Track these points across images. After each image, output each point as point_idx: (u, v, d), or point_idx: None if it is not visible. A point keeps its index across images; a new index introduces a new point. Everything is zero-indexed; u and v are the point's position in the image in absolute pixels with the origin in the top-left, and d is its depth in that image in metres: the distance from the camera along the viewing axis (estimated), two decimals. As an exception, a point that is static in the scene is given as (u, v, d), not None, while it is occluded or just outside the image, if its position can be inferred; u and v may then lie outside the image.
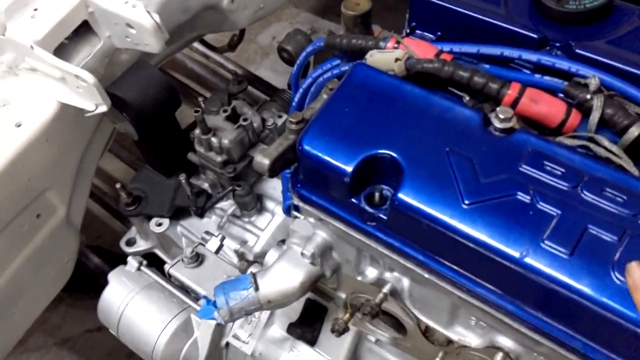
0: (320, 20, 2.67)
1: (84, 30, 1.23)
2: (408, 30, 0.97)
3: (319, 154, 0.80)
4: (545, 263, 0.68)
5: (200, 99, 1.43)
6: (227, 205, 1.44)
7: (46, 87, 1.21)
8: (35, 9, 1.19)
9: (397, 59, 0.84)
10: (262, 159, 0.86)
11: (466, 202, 0.72)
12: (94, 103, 1.19)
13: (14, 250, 1.28)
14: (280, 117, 1.44)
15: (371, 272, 0.94)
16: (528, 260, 0.68)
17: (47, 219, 1.34)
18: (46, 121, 1.22)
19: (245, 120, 1.32)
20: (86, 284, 1.68)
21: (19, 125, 1.20)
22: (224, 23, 1.51)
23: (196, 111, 1.28)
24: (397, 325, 0.98)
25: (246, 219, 1.41)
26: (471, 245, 0.71)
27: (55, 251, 1.40)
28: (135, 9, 1.16)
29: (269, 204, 1.41)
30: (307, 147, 0.81)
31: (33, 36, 1.15)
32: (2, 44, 1.19)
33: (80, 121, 1.27)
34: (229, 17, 1.48)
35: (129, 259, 1.33)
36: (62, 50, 1.21)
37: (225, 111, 1.34)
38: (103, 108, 1.18)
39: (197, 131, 1.31)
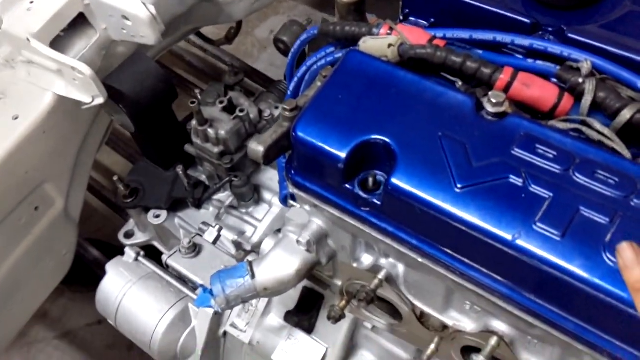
0: (317, 13, 2.67)
1: (80, 22, 1.23)
2: (402, 17, 0.97)
3: (313, 141, 0.80)
4: (537, 245, 0.68)
5: (197, 91, 1.44)
6: (225, 196, 1.44)
7: (43, 80, 1.22)
8: (32, 2, 1.19)
9: (390, 45, 0.84)
10: (257, 146, 0.86)
11: (459, 186, 0.73)
12: (90, 95, 1.19)
13: (12, 242, 1.29)
14: (277, 108, 1.44)
15: (367, 259, 0.95)
16: (520, 242, 0.69)
17: (45, 211, 1.34)
18: (43, 114, 1.22)
19: (241, 111, 1.32)
20: (86, 277, 1.69)
21: (16, 118, 1.21)
22: (220, 15, 1.51)
23: (192, 102, 1.28)
24: (392, 311, 0.99)
25: (243, 210, 1.41)
26: (464, 228, 0.72)
27: (53, 244, 1.41)
28: (130, 1, 1.17)
29: (267, 195, 1.42)
30: (301, 134, 0.81)
31: (29, 29, 1.16)
32: (-2, 37, 1.19)
33: (77, 113, 1.28)
34: (225, 9, 1.48)
35: (127, 249, 1.33)
36: (58, 43, 1.21)
37: (221, 102, 1.34)
38: (100, 100, 1.19)
39: (194, 122, 1.31)
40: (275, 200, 1.39)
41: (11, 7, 1.19)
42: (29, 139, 1.20)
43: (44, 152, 1.26)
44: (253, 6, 1.53)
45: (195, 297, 1.26)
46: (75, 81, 1.17)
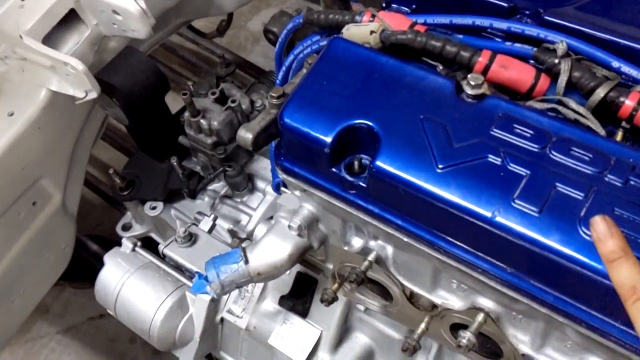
0: (309, 5, 2.68)
1: (71, 18, 1.25)
2: (384, 4, 0.99)
3: (299, 127, 0.82)
4: (515, 221, 0.70)
5: (189, 83, 1.46)
6: (219, 187, 1.46)
7: (37, 76, 1.24)
8: (23, -1, 1.21)
9: (372, 32, 0.86)
10: (246, 134, 0.89)
11: (440, 166, 0.75)
12: (84, 90, 1.21)
13: (12, 238, 1.31)
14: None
15: (357, 242, 0.97)
16: (499, 219, 0.71)
17: (43, 206, 1.36)
18: (37, 110, 1.24)
19: (233, 101, 1.34)
20: (88, 273, 1.71)
21: (11, 115, 1.23)
22: (210, 7, 1.53)
23: (184, 94, 1.30)
24: (384, 293, 1.01)
25: (238, 200, 1.44)
26: (445, 207, 0.74)
27: (52, 238, 1.43)
28: (120, -4, 1.18)
29: (260, 184, 1.44)
30: (287, 120, 0.83)
31: (22, 26, 1.17)
32: (-9, 34, 1.21)
33: (71, 109, 1.30)
34: (215, 1, 1.50)
35: (123, 240, 1.35)
36: (50, 39, 1.23)
37: (213, 93, 1.36)
38: (93, 94, 1.21)
39: (187, 114, 1.33)
40: (269, 189, 1.42)
41: (3, 4, 1.20)
42: (25, 135, 1.22)
43: (40, 148, 1.29)
44: (243, -2, 1.55)
45: (192, 285, 1.28)
46: (68, 76, 1.19)
